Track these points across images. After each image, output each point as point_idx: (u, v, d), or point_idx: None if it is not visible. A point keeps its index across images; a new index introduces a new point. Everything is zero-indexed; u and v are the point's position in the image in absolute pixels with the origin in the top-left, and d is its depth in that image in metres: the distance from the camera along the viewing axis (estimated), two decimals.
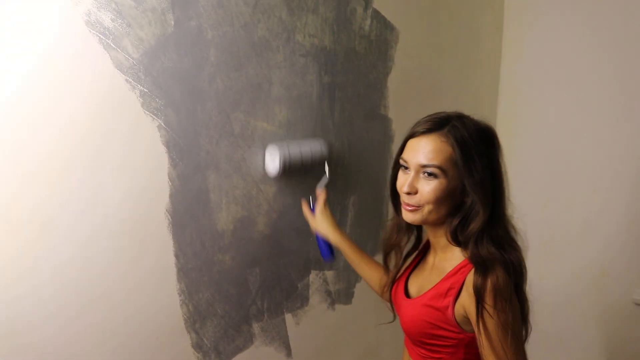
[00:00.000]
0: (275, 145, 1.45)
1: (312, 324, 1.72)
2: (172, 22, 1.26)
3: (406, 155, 1.15)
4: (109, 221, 1.22)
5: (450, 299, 1.10)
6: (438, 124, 1.12)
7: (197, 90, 1.33)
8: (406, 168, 1.15)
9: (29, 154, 1.09)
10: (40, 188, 1.11)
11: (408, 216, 1.16)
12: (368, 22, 1.70)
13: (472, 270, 1.07)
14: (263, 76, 1.45)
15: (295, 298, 1.66)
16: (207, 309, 1.43)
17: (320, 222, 1.52)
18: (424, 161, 1.10)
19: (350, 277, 1.83)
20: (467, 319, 1.09)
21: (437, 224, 1.17)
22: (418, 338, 1.19)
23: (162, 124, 1.27)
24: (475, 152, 1.09)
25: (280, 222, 1.57)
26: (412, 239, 1.30)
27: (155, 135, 1.27)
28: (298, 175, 1.57)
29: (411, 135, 1.16)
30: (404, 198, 1.15)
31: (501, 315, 1.03)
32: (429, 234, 1.24)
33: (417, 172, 1.12)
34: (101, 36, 1.15)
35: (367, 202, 1.82)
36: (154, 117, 1.25)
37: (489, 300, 1.03)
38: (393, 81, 1.83)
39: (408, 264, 1.32)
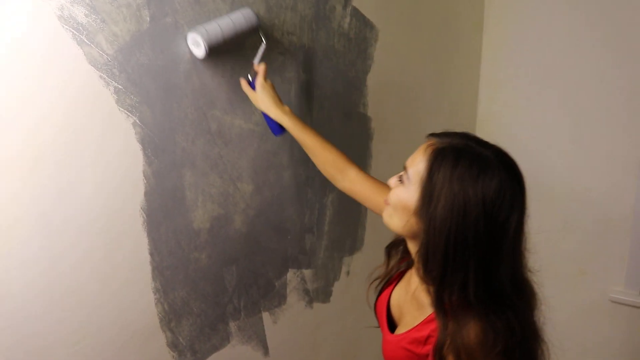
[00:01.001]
0: (194, 29, 1.30)
1: (290, 322, 1.72)
2: (148, 19, 1.24)
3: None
4: (81, 218, 1.20)
5: (430, 347, 0.99)
6: (445, 135, 1.01)
7: (172, 87, 1.31)
8: None
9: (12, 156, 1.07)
10: (10, 184, 1.09)
11: (383, 213, 1.10)
12: (347, 20, 1.70)
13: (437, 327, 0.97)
14: (240, 73, 1.44)
15: (273, 296, 1.66)
16: (182, 308, 1.42)
17: (260, 98, 1.40)
18: (405, 162, 1.05)
19: (329, 276, 1.83)
20: None
21: (406, 239, 1.09)
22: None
23: (137, 121, 1.26)
24: (444, 183, 0.93)
25: (258, 220, 1.56)
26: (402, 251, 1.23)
27: (130, 132, 1.25)
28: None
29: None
30: None
31: None
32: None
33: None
34: (74, 32, 1.13)
35: (345, 201, 1.82)
36: (128, 114, 1.24)
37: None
38: (372, 79, 1.83)
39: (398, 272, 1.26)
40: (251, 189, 1.53)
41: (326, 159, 1.40)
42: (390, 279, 1.26)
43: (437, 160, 0.96)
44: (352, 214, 1.87)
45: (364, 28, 1.76)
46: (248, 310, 1.59)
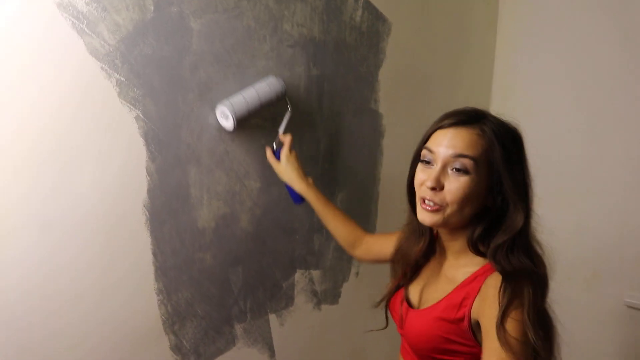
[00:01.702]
0: (226, 101, 1.31)
1: (297, 324, 1.66)
2: (152, 7, 1.19)
3: (433, 146, 1.02)
4: (83, 218, 1.16)
5: (466, 309, 0.99)
6: (471, 117, 1.02)
7: (177, 80, 1.26)
8: (428, 163, 1.03)
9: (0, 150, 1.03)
10: (8, 183, 1.04)
11: (427, 217, 1.03)
12: (359, 12, 1.64)
13: (492, 276, 0.98)
14: (248, 67, 1.38)
15: (280, 298, 1.60)
16: (186, 310, 1.37)
17: (285, 170, 1.41)
18: (457, 151, 0.99)
19: (337, 277, 1.78)
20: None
21: (455, 228, 1.06)
22: (426, 353, 1.07)
23: (140, 115, 1.21)
24: (512, 152, 1.00)
25: (265, 219, 1.51)
26: (424, 245, 1.17)
27: (133, 126, 1.20)
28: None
29: (439, 127, 1.04)
30: (426, 195, 1.02)
31: (518, 329, 0.91)
32: (442, 237, 1.13)
33: (444, 166, 1.00)
34: (74, 20, 1.08)
35: (355, 200, 1.76)
36: (131, 107, 1.19)
37: (515, 314, 0.92)
38: (384, 75, 1.77)
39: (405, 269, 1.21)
40: (258, 187, 1.47)
41: (342, 233, 1.42)
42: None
43: (495, 133, 1.00)
44: (361, 214, 1.81)
45: (376, 21, 1.70)
46: (254, 312, 1.53)
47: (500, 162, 0.99)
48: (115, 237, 1.21)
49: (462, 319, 1.00)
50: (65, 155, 1.11)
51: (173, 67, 1.24)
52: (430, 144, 1.03)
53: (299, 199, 1.46)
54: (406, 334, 1.13)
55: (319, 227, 1.66)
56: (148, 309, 1.30)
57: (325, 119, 1.61)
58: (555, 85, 2.18)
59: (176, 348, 1.36)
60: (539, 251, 1.04)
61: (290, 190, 1.45)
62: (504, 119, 1.05)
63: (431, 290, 1.12)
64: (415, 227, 1.16)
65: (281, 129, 1.44)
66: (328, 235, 1.70)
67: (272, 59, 1.43)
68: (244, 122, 1.35)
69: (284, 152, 1.41)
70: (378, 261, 1.39)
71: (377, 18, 1.70)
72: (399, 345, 1.74)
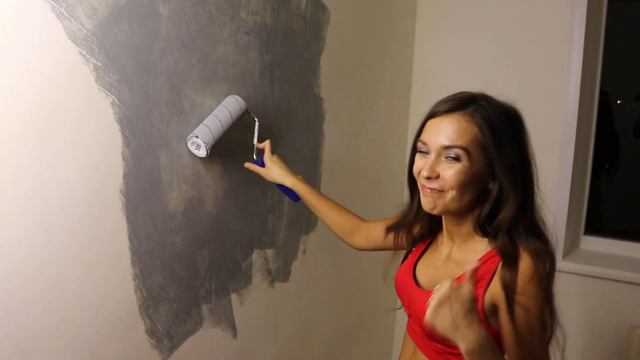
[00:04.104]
0: (193, 133, 1.36)
1: (255, 303, 1.72)
2: None
3: (426, 137, 1.07)
4: (61, 203, 1.13)
5: (480, 290, 1.03)
6: (461, 102, 1.05)
7: (148, 66, 1.27)
8: (425, 152, 1.07)
9: None
10: None
11: (428, 203, 1.07)
12: (304, 1, 1.71)
13: (502, 259, 1.03)
14: (210, 52, 1.42)
15: (240, 278, 1.65)
16: (159, 293, 1.39)
17: (273, 172, 1.47)
18: (446, 142, 1.03)
19: (288, 255, 1.85)
20: (495, 311, 1.04)
21: (459, 213, 1.10)
22: (438, 335, 1.02)
23: (116, 101, 1.21)
24: (503, 134, 1.03)
25: (226, 202, 1.55)
26: (421, 230, 1.23)
27: (109, 112, 1.20)
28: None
29: (431, 116, 1.08)
30: (425, 182, 1.07)
31: (537, 305, 0.99)
32: (447, 223, 1.16)
33: (438, 155, 1.05)
34: (54, 3, 1.06)
35: None
36: (107, 92, 1.19)
37: (525, 289, 0.98)
38: (325, 61, 1.86)
39: (412, 250, 1.28)
40: (220, 170, 1.51)
41: (339, 222, 1.45)
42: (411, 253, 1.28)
43: (484, 117, 1.04)
44: None
45: (318, 9, 1.79)
46: (218, 292, 1.57)
47: (491, 145, 1.03)
48: (94, 223, 1.20)
49: (475, 300, 1.00)
50: (44, 141, 1.08)
51: (144, 52, 1.25)
52: (423, 135, 1.09)
53: (296, 197, 1.51)
54: (417, 316, 1.14)
55: (273, 208, 1.73)
56: (125, 294, 1.30)
57: (276, 104, 1.67)
58: (470, 71, 2.39)
59: (151, 332, 1.38)
60: (542, 228, 1.09)
61: (285, 190, 1.51)
62: (501, 99, 1.09)
63: (440, 274, 1.15)
64: (413, 212, 1.20)
65: (255, 140, 1.51)
66: (281, 215, 1.78)
67: (230, 45, 1.47)
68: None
69: (267, 156, 1.49)
70: (379, 248, 1.42)
71: (318, 6, 1.79)
72: (340, 315, 1.87)
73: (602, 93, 2.48)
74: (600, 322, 2.29)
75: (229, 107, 1.42)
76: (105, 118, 1.19)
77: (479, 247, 1.10)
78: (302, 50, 1.75)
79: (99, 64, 1.16)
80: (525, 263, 1.00)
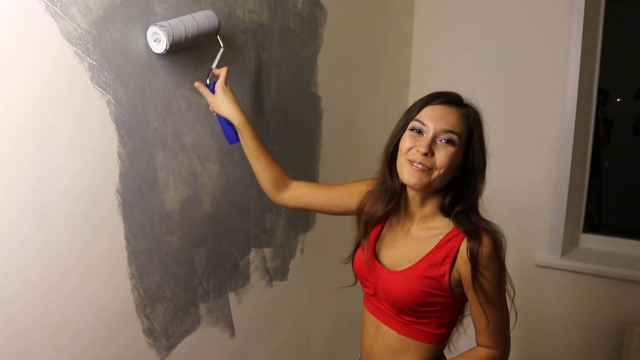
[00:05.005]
0: (156, 25, 1.25)
1: (253, 302, 1.73)
2: None
3: (425, 119, 1.18)
4: (57, 203, 1.13)
5: (447, 266, 1.17)
6: (458, 100, 1.22)
7: (144, 65, 1.27)
8: (419, 132, 1.19)
9: None
10: None
11: (415, 178, 1.17)
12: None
13: (467, 238, 1.17)
14: (207, 52, 1.41)
15: (237, 276, 1.65)
16: (156, 293, 1.38)
17: (222, 101, 1.36)
18: (447, 127, 1.16)
19: (286, 254, 1.86)
20: (459, 283, 1.19)
21: (429, 193, 1.23)
22: (410, 307, 1.22)
23: (112, 100, 1.20)
24: (481, 134, 1.21)
25: (223, 201, 1.55)
26: (391, 206, 1.28)
27: (105, 111, 1.19)
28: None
29: (429, 104, 1.20)
30: (416, 158, 1.16)
31: (497, 277, 1.16)
32: (411, 202, 1.27)
33: (434, 137, 1.16)
34: (48, 2, 1.06)
35: (300, 179, 1.84)
36: (103, 92, 1.18)
37: (487, 264, 1.14)
38: (322, 59, 1.86)
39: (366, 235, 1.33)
40: (217, 169, 1.51)
41: (270, 173, 1.42)
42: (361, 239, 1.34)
43: (475, 118, 1.22)
44: None
45: (314, 8, 1.79)
46: (216, 291, 1.57)
47: (477, 141, 1.20)
48: (92, 223, 1.20)
49: (443, 275, 1.18)
50: (39, 142, 1.08)
51: (140, 51, 1.25)
52: (421, 117, 1.20)
53: (234, 137, 1.42)
54: (386, 294, 1.25)
55: (270, 206, 1.73)
56: (122, 294, 1.30)
57: (273, 102, 1.67)
58: (468, 69, 2.39)
59: (148, 331, 1.38)
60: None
61: (225, 127, 1.41)
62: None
63: (402, 252, 1.26)
64: (387, 189, 1.27)
65: (215, 64, 1.40)
66: (278, 214, 1.77)
67: (227, 44, 1.47)
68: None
69: (220, 84, 1.37)
70: (305, 209, 1.50)
71: (315, 5, 1.79)
72: (339, 315, 1.87)
73: (601, 91, 2.48)
74: (599, 320, 2.30)
75: (208, 17, 1.33)
76: (101, 117, 1.19)
77: (441, 226, 1.23)
78: (299, 49, 1.75)
79: (94, 63, 1.16)
80: (485, 241, 1.15)
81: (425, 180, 1.17)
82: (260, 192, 1.66)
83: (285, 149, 1.74)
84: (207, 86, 1.38)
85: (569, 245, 2.43)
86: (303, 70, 1.79)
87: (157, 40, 1.26)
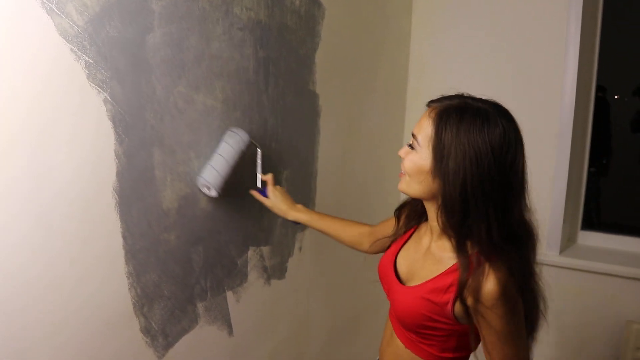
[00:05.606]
0: (202, 176, 1.41)
1: (251, 300, 1.72)
2: None
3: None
4: (54, 201, 1.13)
5: (451, 295, 1.05)
6: (443, 98, 1.09)
7: (141, 62, 1.26)
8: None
9: None
10: None
11: (399, 184, 1.16)
12: None
13: (460, 270, 1.04)
14: (204, 49, 1.41)
15: (235, 275, 1.65)
16: (154, 291, 1.38)
17: (275, 205, 1.55)
18: (414, 130, 1.11)
19: (284, 252, 1.85)
20: (466, 314, 1.06)
21: (424, 201, 1.16)
22: (411, 327, 1.15)
23: (108, 98, 1.20)
24: (453, 139, 1.02)
25: (221, 198, 1.54)
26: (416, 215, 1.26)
27: (101, 109, 1.19)
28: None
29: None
30: None
31: (504, 319, 1.01)
32: (429, 215, 1.17)
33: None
34: None
35: (298, 178, 1.84)
36: (99, 90, 1.18)
37: (492, 305, 1.00)
38: (320, 57, 1.86)
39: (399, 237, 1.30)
40: None
41: (347, 237, 1.51)
42: (396, 241, 1.30)
43: (442, 120, 1.04)
44: (303, 190, 1.89)
45: (312, 6, 1.78)
46: (214, 290, 1.57)
47: (445, 139, 1.05)
48: (89, 222, 1.19)
49: (446, 303, 1.07)
50: (36, 140, 1.08)
51: (137, 49, 1.24)
52: None
53: (299, 224, 1.58)
54: (393, 306, 1.20)
55: None
56: (120, 292, 1.29)
57: (271, 100, 1.66)
58: (466, 66, 2.38)
59: (146, 330, 1.37)
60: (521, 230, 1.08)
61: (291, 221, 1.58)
62: (497, 112, 1.09)
63: (419, 267, 1.18)
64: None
65: (259, 170, 1.56)
66: None
67: (224, 42, 1.46)
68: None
69: (270, 189, 1.55)
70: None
71: (313, 2, 1.78)
72: (336, 312, 1.88)
73: (600, 88, 2.48)
74: (597, 317, 2.30)
75: (230, 141, 1.45)
76: (98, 115, 1.18)
77: (451, 249, 1.10)
78: (297, 47, 1.74)
79: (91, 60, 1.15)
80: (491, 280, 1.00)
81: (402, 185, 1.15)
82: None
83: (283, 147, 1.74)
84: (259, 191, 1.56)
85: (567, 242, 2.43)
86: (301, 68, 1.78)
87: (208, 188, 1.42)
